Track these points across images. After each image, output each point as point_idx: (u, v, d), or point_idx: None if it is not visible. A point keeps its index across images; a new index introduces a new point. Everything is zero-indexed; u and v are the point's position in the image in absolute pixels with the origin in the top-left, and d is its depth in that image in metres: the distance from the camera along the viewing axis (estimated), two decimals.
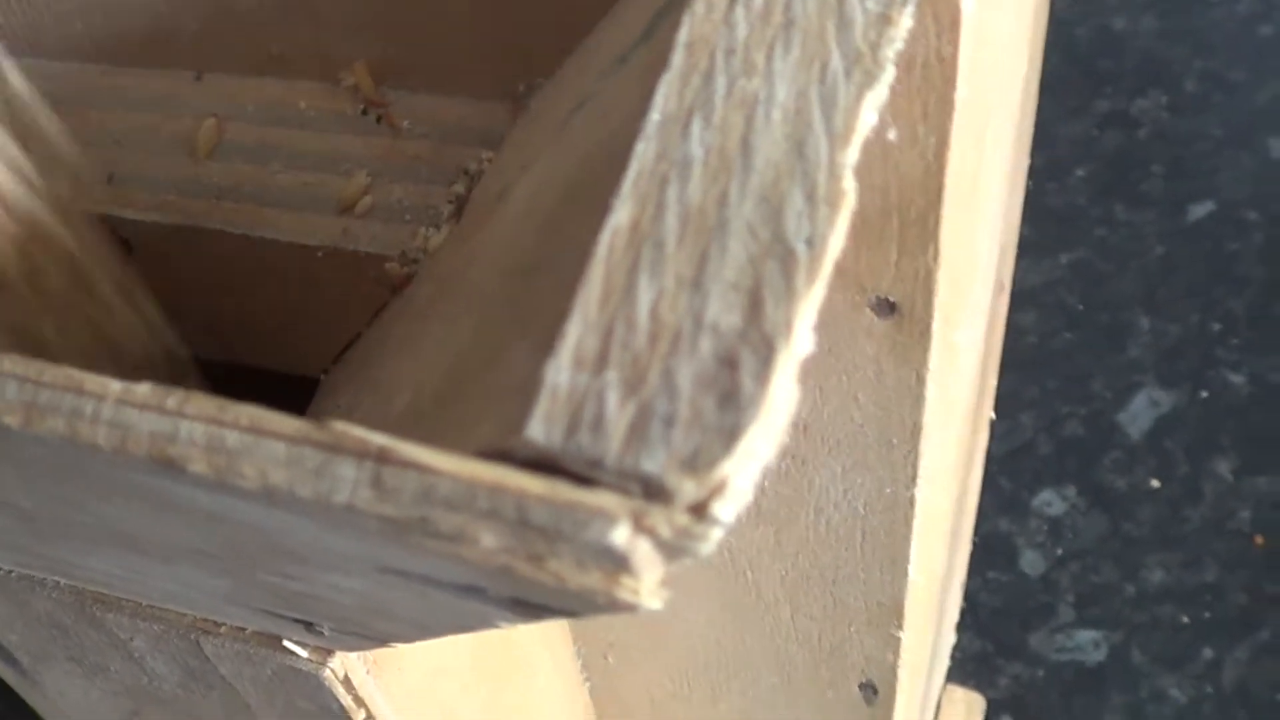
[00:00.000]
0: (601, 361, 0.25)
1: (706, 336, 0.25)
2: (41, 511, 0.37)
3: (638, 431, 0.24)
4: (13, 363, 0.28)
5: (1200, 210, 1.40)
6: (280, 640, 0.43)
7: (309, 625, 0.41)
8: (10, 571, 0.46)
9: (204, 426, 0.26)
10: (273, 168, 0.45)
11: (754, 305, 0.25)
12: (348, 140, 0.45)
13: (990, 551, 1.23)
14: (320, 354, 0.48)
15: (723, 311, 0.25)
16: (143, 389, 0.27)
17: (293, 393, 0.49)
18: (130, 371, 0.46)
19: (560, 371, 0.25)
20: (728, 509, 0.24)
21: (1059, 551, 1.24)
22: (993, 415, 1.17)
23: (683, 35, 0.30)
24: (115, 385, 0.28)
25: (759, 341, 0.25)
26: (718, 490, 0.24)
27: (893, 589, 0.54)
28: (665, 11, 0.32)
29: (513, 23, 0.41)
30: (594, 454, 0.24)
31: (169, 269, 0.47)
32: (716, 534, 0.24)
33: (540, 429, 0.25)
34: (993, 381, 1.08)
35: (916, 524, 0.51)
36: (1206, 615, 1.20)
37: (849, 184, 0.27)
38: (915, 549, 0.52)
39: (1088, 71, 1.49)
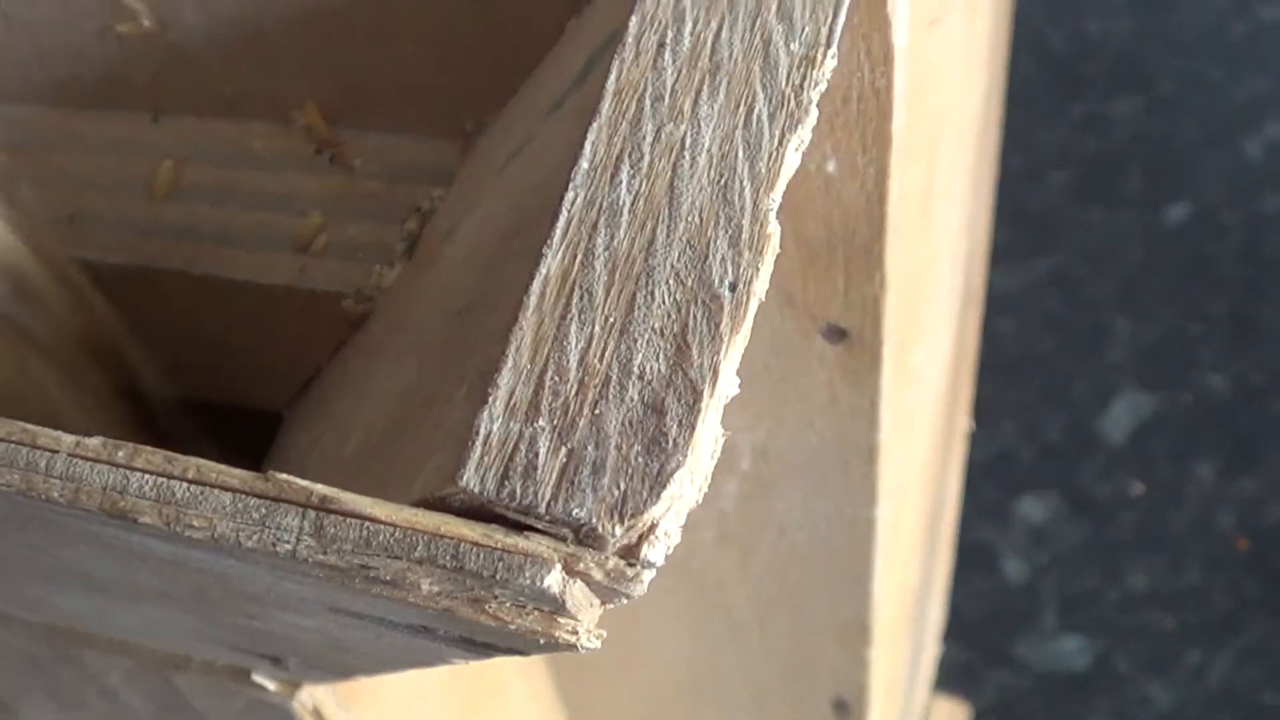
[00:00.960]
0: (533, 409, 0.26)
1: (634, 383, 0.26)
2: (7, 555, 0.38)
3: (568, 478, 0.25)
4: None
5: (1178, 212, 1.41)
6: (249, 674, 0.44)
7: (275, 660, 0.42)
8: None
9: (153, 479, 0.27)
10: (230, 208, 0.46)
11: (680, 351, 0.26)
12: (302, 180, 0.45)
13: (973, 559, 1.24)
14: (282, 390, 0.48)
15: (649, 358, 0.26)
16: (94, 442, 0.28)
17: (258, 428, 0.50)
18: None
19: (493, 420, 0.26)
20: (657, 551, 0.25)
21: (1042, 558, 1.25)
22: (972, 424, 1.18)
23: (612, 82, 0.30)
24: (68, 439, 0.28)
25: (684, 388, 0.26)
26: (647, 534, 0.25)
27: (859, 607, 0.55)
28: (598, 55, 0.33)
29: (458, 62, 0.42)
30: (526, 501, 0.25)
31: (131, 309, 0.47)
32: (648, 576, 0.25)
33: (474, 477, 0.25)
34: (967, 391, 1.08)
35: (880, 542, 0.52)
36: (1191, 619, 1.20)
37: (773, 228, 0.27)
38: (880, 567, 0.53)
39: (1064, 75, 1.50)
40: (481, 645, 0.29)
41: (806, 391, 0.45)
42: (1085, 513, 1.27)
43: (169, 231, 0.46)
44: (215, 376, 0.49)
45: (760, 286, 0.27)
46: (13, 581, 0.42)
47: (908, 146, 0.40)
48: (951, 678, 1.18)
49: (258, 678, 0.44)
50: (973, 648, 1.21)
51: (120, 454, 0.28)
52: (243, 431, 0.51)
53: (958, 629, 1.20)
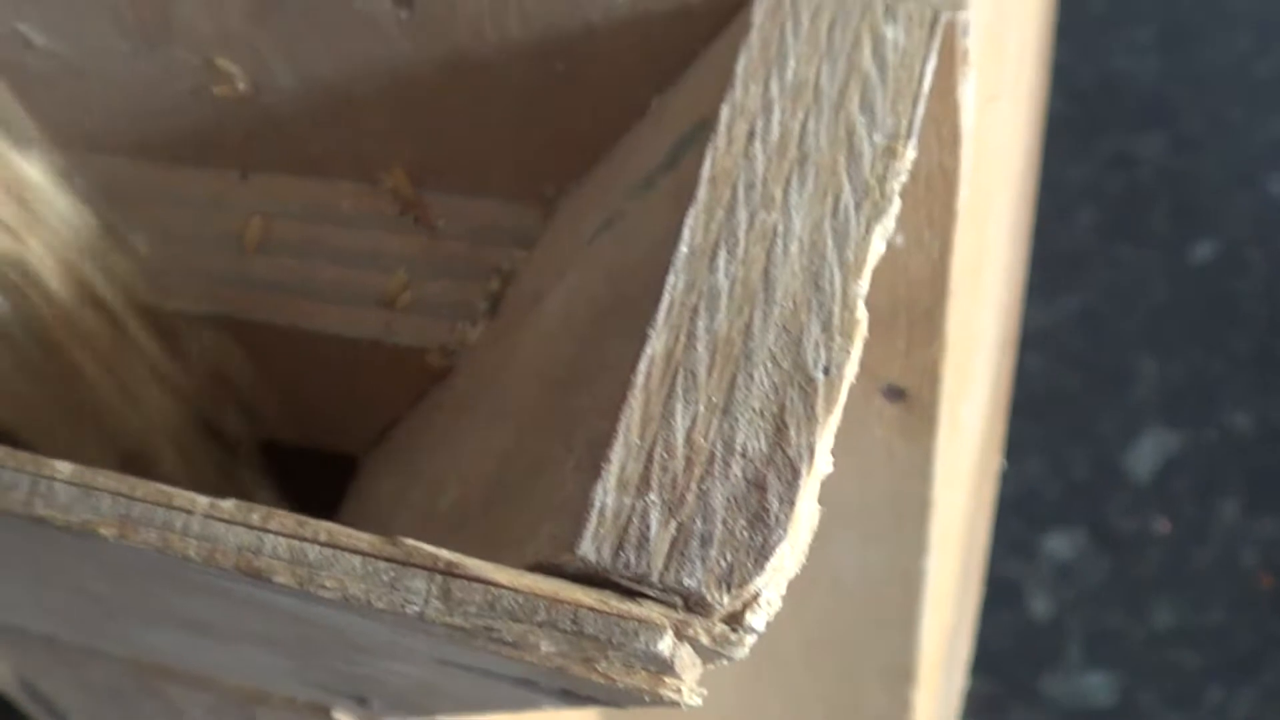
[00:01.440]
0: (644, 484, 0.28)
1: (737, 461, 0.28)
2: (114, 596, 0.40)
3: (678, 549, 0.27)
4: (107, 478, 0.31)
5: (1204, 250, 1.42)
6: (329, 711, 0.46)
7: (360, 699, 0.44)
8: (71, 641, 0.49)
9: (286, 541, 0.29)
10: (317, 264, 0.48)
11: (779, 431, 0.28)
12: (387, 239, 0.47)
13: (999, 595, 1.25)
14: (360, 436, 0.51)
15: (751, 437, 0.28)
16: (228, 504, 0.30)
17: (330, 469, 0.52)
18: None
19: (606, 493, 0.28)
20: (759, 618, 0.27)
21: (1068, 594, 1.26)
22: (1004, 462, 1.20)
23: (706, 169, 0.32)
24: (202, 500, 0.30)
25: (784, 465, 0.28)
26: (751, 603, 0.27)
27: (905, 652, 0.56)
28: (688, 141, 0.35)
29: (542, 130, 0.44)
30: (639, 570, 0.27)
31: (218, 358, 0.49)
32: (750, 640, 0.27)
33: (590, 547, 0.27)
34: (1001, 430, 1.10)
35: (927, 590, 0.54)
36: (1215, 656, 1.22)
37: (861, 314, 0.30)
38: (927, 613, 0.55)
39: (1090, 113, 1.51)
40: (583, 697, 0.31)
41: (864, 447, 0.47)
42: (1111, 549, 1.28)
43: (257, 285, 0.48)
44: (293, 421, 0.51)
45: (851, 370, 0.29)
46: (111, 620, 0.44)
47: (970, 217, 0.42)
48: (977, 713, 1.19)
49: (338, 715, 0.46)
50: (998, 683, 1.22)
51: (254, 516, 0.30)
52: (307, 471, 0.53)
53: (983, 664, 1.21)
